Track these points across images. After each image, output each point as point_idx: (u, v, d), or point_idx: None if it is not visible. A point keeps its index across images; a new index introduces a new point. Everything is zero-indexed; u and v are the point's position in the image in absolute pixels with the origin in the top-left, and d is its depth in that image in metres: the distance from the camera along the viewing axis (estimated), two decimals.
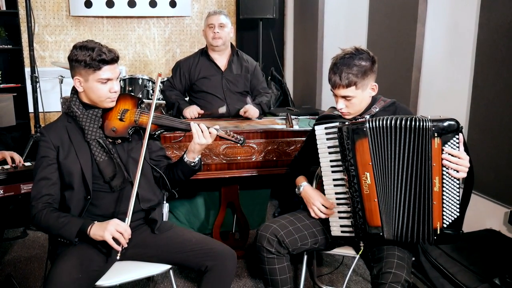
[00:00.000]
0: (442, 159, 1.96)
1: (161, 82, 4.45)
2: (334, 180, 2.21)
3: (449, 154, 1.94)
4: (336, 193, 2.20)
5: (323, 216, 2.25)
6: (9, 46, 5.03)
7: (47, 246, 2.36)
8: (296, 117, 3.33)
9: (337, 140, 2.12)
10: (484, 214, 2.80)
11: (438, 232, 2.03)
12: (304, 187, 2.37)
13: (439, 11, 3.16)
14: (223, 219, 3.18)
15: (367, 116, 2.19)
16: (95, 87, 2.08)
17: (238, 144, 2.25)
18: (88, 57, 2.02)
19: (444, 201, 2.00)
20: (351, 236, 2.19)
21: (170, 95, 3.48)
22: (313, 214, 2.28)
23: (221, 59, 3.48)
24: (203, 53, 3.51)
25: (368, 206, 2.09)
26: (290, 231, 2.25)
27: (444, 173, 1.97)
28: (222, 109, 3.36)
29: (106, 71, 2.06)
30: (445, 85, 3.14)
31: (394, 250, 2.12)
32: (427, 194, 2.01)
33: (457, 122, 1.94)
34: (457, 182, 1.98)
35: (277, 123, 3.20)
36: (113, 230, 1.90)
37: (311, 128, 2.38)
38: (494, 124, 2.68)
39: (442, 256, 2.49)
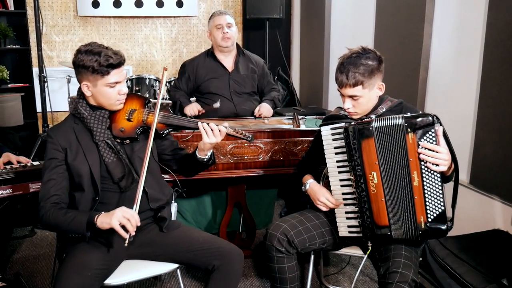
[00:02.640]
0: (418, 153, 1.97)
1: (168, 82, 4.49)
2: (341, 180, 2.21)
3: (425, 148, 1.96)
4: (343, 194, 2.20)
5: (330, 206, 2.23)
6: (17, 46, 5.08)
7: (55, 245, 2.37)
8: (303, 117, 3.33)
9: (343, 141, 2.13)
10: (491, 214, 2.79)
11: (423, 227, 2.04)
12: (310, 184, 2.37)
13: (447, 10, 3.14)
14: (230, 218, 3.19)
15: (373, 116, 2.19)
16: (104, 91, 2.09)
17: (247, 141, 2.26)
18: (95, 63, 2.02)
19: (426, 195, 2.02)
20: (358, 236, 2.20)
21: (174, 95, 3.52)
22: (321, 208, 2.27)
23: (228, 60, 3.48)
24: (209, 54, 3.51)
25: (375, 206, 2.10)
26: (300, 231, 2.26)
27: (422, 167, 1.99)
28: (216, 104, 3.33)
29: (114, 75, 2.06)
30: (453, 85, 3.13)
31: (401, 250, 2.12)
32: (408, 189, 2.03)
33: (432, 116, 1.96)
34: (438, 175, 1.99)
35: (284, 123, 3.21)
36: (121, 216, 1.87)
37: (318, 128, 2.39)
38: (502, 124, 2.67)
39: (450, 256, 2.48)
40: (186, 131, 2.65)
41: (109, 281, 2.04)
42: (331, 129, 2.19)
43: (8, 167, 2.52)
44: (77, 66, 2.08)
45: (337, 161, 2.20)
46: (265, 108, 3.35)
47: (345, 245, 2.38)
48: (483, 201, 2.84)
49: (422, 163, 1.99)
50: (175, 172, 2.38)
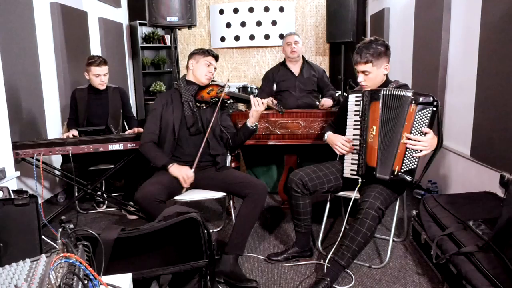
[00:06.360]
0: (411, 127, 2.16)
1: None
2: (354, 135, 2.43)
3: (414, 140, 2.18)
4: (354, 145, 2.42)
5: (345, 149, 2.42)
6: (170, 69, 5.97)
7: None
8: None
9: (360, 106, 2.36)
10: (486, 180, 2.73)
11: (395, 173, 2.18)
12: (328, 135, 2.58)
13: (459, 20, 3.13)
14: (286, 179, 3.49)
15: (384, 89, 2.35)
16: (201, 66, 2.66)
17: (279, 113, 2.57)
18: (202, 49, 2.67)
19: (406, 152, 2.20)
20: (355, 178, 2.39)
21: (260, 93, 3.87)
22: (338, 150, 2.45)
23: (295, 67, 3.83)
24: (282, 63, 3.90)
25: (369, 151, 2.31)
26: (313, 178, 2.47)
27: (412, 132, 2.18)
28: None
29: (211, 60, 2.66)
30: (462, 79, 3.10)
31: (377, 187, 2.26)
32: (396, 144, 2.21)
33: (434, 99, 2.13)
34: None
35: None
36: (184, 174, 2.44)
37: None
38: (497, 105, 2.64)
39: (437, 206, 2.52)
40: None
41: (177, 198, 2.51)
42: (356, 96, 2.43)
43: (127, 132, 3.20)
44: (193, 53, 2.70)
45: (355, 121, 2.43)
46: (326, 101, 3.59)
47: (345, 189, 2.54)
48: (480, 170, 2.79)
49: (413, 129, 2.17)
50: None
